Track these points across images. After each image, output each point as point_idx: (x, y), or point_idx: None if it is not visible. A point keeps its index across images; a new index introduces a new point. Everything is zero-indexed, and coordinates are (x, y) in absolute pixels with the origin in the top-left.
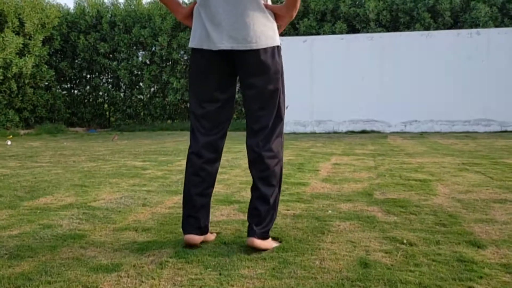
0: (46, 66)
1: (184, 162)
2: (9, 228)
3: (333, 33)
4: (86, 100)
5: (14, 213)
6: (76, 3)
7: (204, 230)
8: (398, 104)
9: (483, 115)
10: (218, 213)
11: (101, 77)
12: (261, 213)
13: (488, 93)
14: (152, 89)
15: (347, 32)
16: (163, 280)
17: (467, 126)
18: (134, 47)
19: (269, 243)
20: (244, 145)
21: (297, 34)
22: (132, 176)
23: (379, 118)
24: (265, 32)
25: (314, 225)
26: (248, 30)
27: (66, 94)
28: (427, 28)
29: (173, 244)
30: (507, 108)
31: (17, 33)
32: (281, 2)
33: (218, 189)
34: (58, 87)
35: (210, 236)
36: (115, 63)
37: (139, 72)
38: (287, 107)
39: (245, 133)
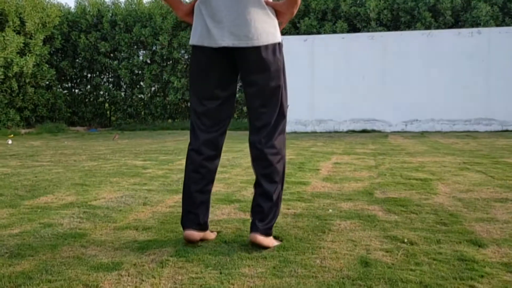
0: (47, 65)
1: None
2: (9, 227)
3: (334, 32)
4: (87, 100)
5: (15, 212)
6: (77, 2)
7: (203, 227)
8: (399, 104)
9: (484, 115)
10: (218, 212)
11: (102, 76)
12: (264, 210)
13: (489, 92)
14: (153, 88)
15: (348, 31)
16: (164, 279)
17: (468, 125)
18: (135, 46)
19: (271, 241)
20: (245, 144)
21: (297, 33)
22: (133, 175)
23: (379, 118)
24: (266, 28)
25: (314, 224)
26: (249, 27)
27: (67, 94)
28: (428, 27)
29: (174, 243)
30: (508, 107)
31: (18, 33)
32: None
33: (218, 188)
34: (59, 86)
35: (211, 235)
36: (115, 62)
37: (140, 72)
38: (287, 107)
39: (246, 132)
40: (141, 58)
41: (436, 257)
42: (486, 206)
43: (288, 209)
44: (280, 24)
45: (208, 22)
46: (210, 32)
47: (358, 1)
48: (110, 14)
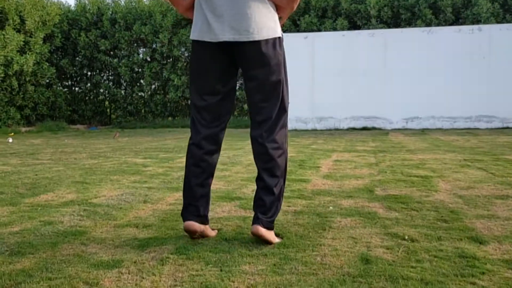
0: (47, 64)
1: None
2: (10, 225)
3: (334, 29)
4: (87, 98)
5: (15, 210)
6: (77, 0)
7: (203, 219)
8: (400, 101)
9: (485, 112)
10: (219, 210)
11: (102, 75)
12: (266, 204)
13: (489, 89)
14: (153, 86)
15: (348, 29)
16: (164, 276)
17: (468, 122)
18: (135, 44)
19: (273, 235)
20: (245, 142)
21: (298, 31)
22: (133, 173)
23: (380, 115)
24: (266, 23)
25: (315, 221)
26: (250, 21)
27: (67, 92)
28: (428, 25)
29: (174, 240)
30: (509, 104)
31: (18, 31)
32: None
33: (219, 185)
34: (59, 84)
35: (211, 232)
36: (115, 60)
37: (140, 69)
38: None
39: (246, 130)
40: (141, 56)
41: (437, 254)
42: (487, 203)
43: (289, 206)
44: (280, 19)
45: (208, 16)
46: (210, 26)
47: None
48: (110, 12)
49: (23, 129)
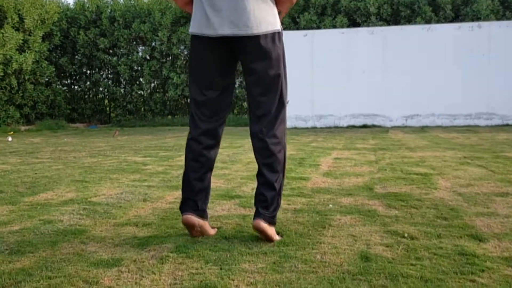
0: (46, 62)
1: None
2: (9, 224)
3: (334, 27)
4: (86, 96)
5: (15, 209)
6: None
7: (202, 213)
8: (399, 98)
9: (485, 109)
10: (218, 208)
11: (101, 73)
12: (267, 199)
13: (489, 86)
14: (152, 85)
15: (348, 26)
16: (164, 275)
17: (468, 120)
18: (134, 42)
19: (274, 232)
20: (245, 140)
21: (297, 29)
22: (133, 171)
23: (380, 113)
24: (265, 17)
25: (315, 219)
26: (249, 15)
27: (67, 90)
28: (428, 22)
29: (174, 239)
30: (509, 101)
31: (17, 29)
32: None
33: (219, 184)
34: (59, 83)
35: (211, 231)
36: (115, 58)
37: (139, 68)
38: (288, 102)
39: (246, 128)
40: (140, 54)
41: (436, 252)
42: (486, 200)
43: (289, 204)
44: (279, 13)
45: (207, 11)
46: (209, 20)
47: None
48: (109, 10)
49: (23, 127)
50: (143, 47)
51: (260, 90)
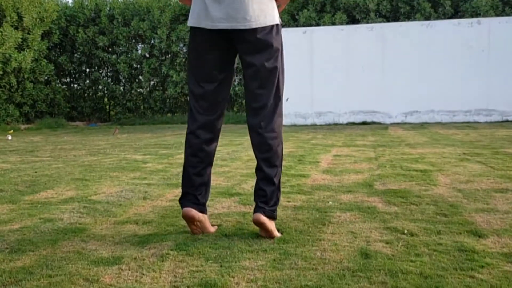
0: (45, 61)
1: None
2: (10, 222)
3: (333, 24)
4: (86, 94)
5: (15, 208)
6: None
7: (202, 208)
8: (399, 95)
9: (484, 105)
10: (218, 206)
11: (101, 71)
12: (266, 194)
13: (489, 83)
14: (152, 83)
15: (347, 23)
16: (164, 273)
17: (468, 116)
18: (133, 40)
19: (274, 227)
20: (245, 138)
21: (296, 26)
22: (133, 169)
23: (379, 109)
24: (264, 10)
25: (314, 216)
26: (247, 8)
27: (66, 89)
28: (427, 18)
29: (174, 236)
30: (508, 98)
31: (16, 28)
32: None
33: (218, 181)
34: (58, 81)
35: (211, 228)
36: (114, 56)
37: (139, 66)
38: (287, 100)
39: (246, 126)
40: (139, 52)
41: (436, 248)
42: (486, 196)
43: (288, 201)
44: (279, 6)
45: (207, 2)
46: (208, 13)
47: None
48: (108, 8)
49: (22, 126)
50: (142, 45)
51: (257, 83)
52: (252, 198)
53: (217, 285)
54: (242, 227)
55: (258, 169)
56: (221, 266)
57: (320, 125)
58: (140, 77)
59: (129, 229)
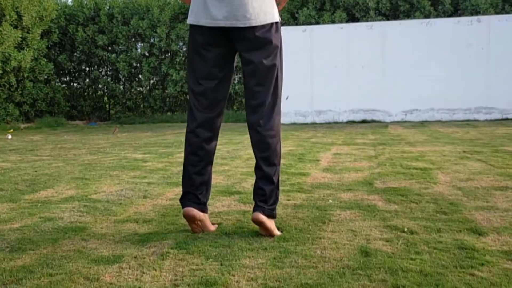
0: (45, 60)
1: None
2: (10, 221)
3: (333, 22)
4: (85, 93)
5: (15, 207)
6: None
7: (202, 207)
8: (399, 93)
9: (484, 103)
10: (219, 204)
11: (100, 70)
12: (265, 193)
13: (488, 81)
14: (152, 81)
15: (347, 21)
16: (164, 271)
17: (467, 114)
18: (133, 39)
19: (274, 225)
20: (245, 136)
21: (296, 24)
22: (133, 168)
23: (379, 108)
24: (264, 8)
25: (314, 214)
26: (247, 6)
27: (66, 87)
28: (427, 16)
29: (174, 235)
30: (508, 95)
31: (15, 27)
32: None
33: (218, 180)
34: (58, 80)
35: (211, 227)
36: (114, 55)
37: (138, 64)
38: (287, 98)
39: (245, 124)
40: (139, 50)
41: (436, 246)
42: (486, 194)
43: (288, 200)
44: (278, 4)
45: (207, 0)
46: (207, 11)
47: None
48: (107, 7)
49: (22, 125)
50: (142, 44)
51: (255, 80)
52: (252, 196)
53: (218, 283)
54: (242, 225)
55: (257, 168)
56: (221, 265)
57: (320, 123)
58: (140, 76)
59: (129, 227)
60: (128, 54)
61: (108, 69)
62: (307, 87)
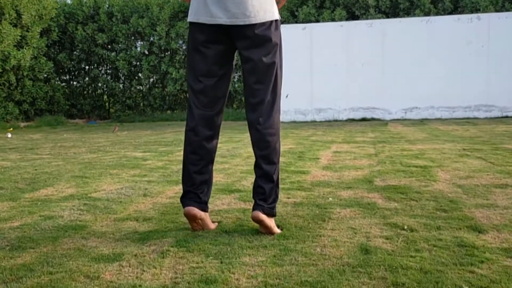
0: (45, 58)
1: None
2: (10, 220)
3: (333, 20)
4: (85, 92)
5: (15, 205)
6: None
7: (204, 206)
8: (398, 91)
9: (484, 101)
10: (219, 202)
11: (100, 68)
12: (265, 191)
13: (488, 78)
14: (151, 80)
15: (347, 19)
16: (165, 269)
17: (467, 112)
18: (132, 38)
19: (273, 223)
20: (245, 135)
21: (296, 22)
22: (133, 166)
23: (379, 106)
24: (263, 6)
25: (314, 212)
26: (247, 4)
27: (65, 86)
28: (427, 14)
29: (174, 233)
30: (508, 93)
31: (15, 25)
32: None
33: (218, 178)
34: (57, 79)
35: (211, 225)
36: (113, 54)
37: (138, 63)
38: (287, 96)
39: (245, 122)
40: (138, 49)
41: (436, 244)
42: (486, 192)
43: (288, 198)
44: (278, 2)
45: None
46: (207, 8)
47: None
48: (107, 5)
49: (22, 124)
50: (142, 42)
51: (255, 77)
52: (252, 195)
53: (218, 281)
54: (242, 223)
55: (257, 166)
56: (221, 262)
57: (320, 121)
58: (140, 74)
59: (130, 226)
60: (128, 53)
61: (108, 67)
62: (307, 85)
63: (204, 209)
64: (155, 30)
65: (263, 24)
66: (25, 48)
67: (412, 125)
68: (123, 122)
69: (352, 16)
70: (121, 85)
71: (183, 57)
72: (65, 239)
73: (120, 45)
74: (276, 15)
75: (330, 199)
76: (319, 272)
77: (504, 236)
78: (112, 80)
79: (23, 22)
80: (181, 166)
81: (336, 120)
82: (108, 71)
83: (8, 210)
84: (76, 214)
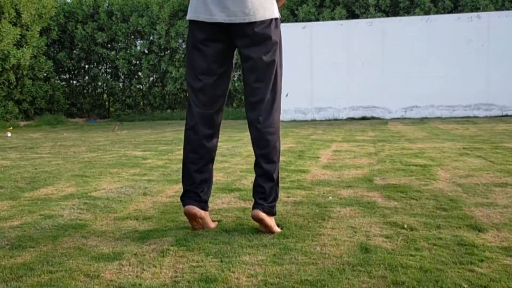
0: (44, 57)
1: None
2: (10, 219)
3: (333, 19)
4: (85, 91)
5: (15, 204)
6: None
7: (204, 205)
8: (398, 90)
9: (484, 100)
10: (218, 201)
11: (100, 67)
12: (265, 190)
13: (488, 77)
14: (151, 79)
15: (347, 18)
16: (165, 268)
17: (467, 111)
18: (132, 36)
19: (273, 222)
20: (245, 133)
21: (296, 21)
22: (133, 165)
23: (379, 104)
24: (263, 4)
25: (314, 211)
26: (247, 2)
27: (65, 85)
28: (427, 13)
29: (174, 232)
30: (508, 92)
31: (14, 24)
32: None
33: (218, 177)
34: (57, 78)
35: (211, 224)
36: (113, 52)
37: (138, 62)
38: (287, 95)
39: (245, 121)
40: (138, 48)
41: (436, 242)
42: (486, 191)
43: (288, 197)
44: (278, 1)
45: None
46: (207, 6)
47: None
48: (106, 4)
49: (22, 123)
50: (141, 41)
51: (255, 76)
52: (252, 193)
53: (218, 280)
54: (242, 222)
55: (257, 165)
56: (221, 261)
57: (320, 120)
58: (139, 73)
59: (130, 225)
60: (128, 52)
61: (108, 66)
62: (307, 84)
63: (204, 208)
64: (155, 29)
65: (262, 22)
66: (25, 47)
67: (412, 124)
68: (123, 121)
69: (352, 15)
70: (121, 84)
71: (183, 56)
72: (65, 238)
73: (120, 44)
74: (276, 13)
75: (330, 198)
76: (319, 271)
77: (504, 235)
78: (112, 79)
79: (22, 21)
80: (181, 165)
81: (336, 119)
82: (108, 70)
83: (8, 209)
84: (76, 213)
